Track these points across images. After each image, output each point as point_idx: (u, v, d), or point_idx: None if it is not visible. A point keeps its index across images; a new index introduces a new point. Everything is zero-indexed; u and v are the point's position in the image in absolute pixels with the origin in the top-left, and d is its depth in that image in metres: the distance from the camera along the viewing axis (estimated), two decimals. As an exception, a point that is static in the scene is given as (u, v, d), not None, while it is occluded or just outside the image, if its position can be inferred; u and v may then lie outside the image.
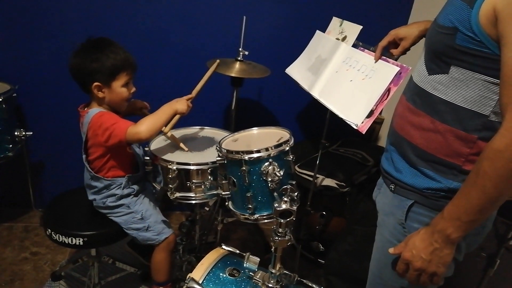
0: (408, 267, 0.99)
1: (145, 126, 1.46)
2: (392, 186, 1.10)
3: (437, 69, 0.96)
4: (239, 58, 1.88)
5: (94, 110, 1.50)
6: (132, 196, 1.64)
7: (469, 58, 0.89)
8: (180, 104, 1.53)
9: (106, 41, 1.51)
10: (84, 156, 1.57)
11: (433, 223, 0.95)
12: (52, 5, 2.08)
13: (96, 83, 1.47)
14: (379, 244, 1.18)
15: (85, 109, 1.56)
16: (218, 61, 1.75)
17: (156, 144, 1.69)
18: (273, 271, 1.13)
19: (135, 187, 1.64)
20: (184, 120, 1.62)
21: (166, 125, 1.55)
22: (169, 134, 1.60)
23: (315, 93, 1.54)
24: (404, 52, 1.30)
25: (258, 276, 1.18)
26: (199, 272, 1.21)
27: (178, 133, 1.79)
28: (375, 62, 1.30)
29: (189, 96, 1.60)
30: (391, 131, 1.15)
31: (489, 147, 0.83)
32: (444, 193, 0.99)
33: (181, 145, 1.65)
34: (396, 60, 1.27)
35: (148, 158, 1.59)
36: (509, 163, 0.80)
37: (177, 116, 1.56)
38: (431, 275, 0.97)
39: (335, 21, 1.66)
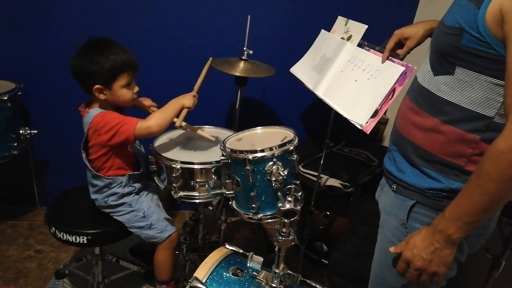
0: (408, 266, 0.99)
1: (155, 120, 1.50)
2: (394, 186, 1.10)
3: (442, 70, 0.96)
4: (243, 57, 1.88)
5: (96, 110, 1.50)
6: (134, 194, 1.64)
7: (474, 59, 0.88)
8: (187, 99, 1.58)
9: (107, 41, 1.50)
10: (84, 155, 1.58)
11: (435, 223, 0.94)
12: (57, 3, 2.08)
13: (97, 86, 1.47)
14: (381, 244, 1.18)
15: (86, 108, 1.56)
16: (211, 59, 1.75)
17: (160, 142, 1.69)
18: (277, 271, 1.13)
19: (137, 185, 1.65)
20: (188, 119, 1.63)
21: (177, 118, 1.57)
22: (183, 124, 1.61)
23: (320, 93, 1.53)
24: (409, 51, 1.29)
25: (261, 276, 1.18)
26: (203, 271, 1.20)
27: (183, 131, 1.79)
28: (382, 63, 1.29)
29: (192, 93, 1.63)
30: (394, 131, 1.15)
31: (492, 148, 0.83)
32: (446, 194, 0.99)
33: (199, 132, 1.66)
34: (401, 60, 1.27)
35: (152, 157, 1.59)
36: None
37: (185, 110, 1.58)
38: (431, 275, 0.97)
39: (340, 20, 1.65)
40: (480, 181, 0.85)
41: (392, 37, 1.30)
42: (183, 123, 1.61)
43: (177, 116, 1.57)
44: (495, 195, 0.84)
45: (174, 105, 1.56)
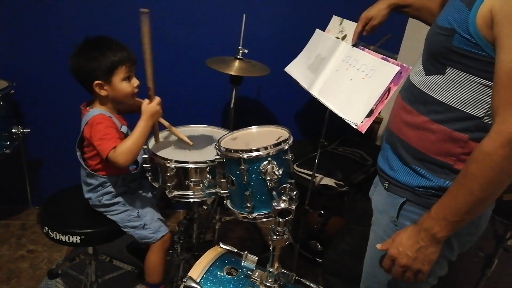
0: (394, 263, 1.00)
1: (123, 156, 1.42)
2: (386, 184, 1.11)
3: (434, 70, 0.97)
4: (238, 56, 1.88)
5: (95, 111, 1.49)
6: (128, 193, 1.64)
7: (465, 60, 0.89)
8: (150, 114, 1.49)
9: (103, 39, 1.50)
10: (79, 153, 1.57)
11: (421, 221, 0.95)
12: (51, 2, 2.06)
13: (96, 82, 1.47)
14: (373, 242, 1.19)
15: (87, 107, 1.55)
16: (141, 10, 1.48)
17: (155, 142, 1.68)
18: (271, 270, 1.13)
19: (131, 185, 1.64)
20: (183, 118, 1.62)
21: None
22: (174, 130, 1.62)
23: (315, 92, 1.53)
24: (373, 31, 1.39)
25: (256, 275, 1.18)
26: (197, 270, 1.20)
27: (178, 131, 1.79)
28: (352, 44, 1.40)
29: (153, 98, 1.53)
30: (386, 129, 1.17)
31: (478, 149, 0.84)
32: (435, 192, 1.00)
33: (185, 138, 1.66)
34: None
35: (146, 156, 1.59)
36: (497, 166, 0.81)
37: (159, 120, 1.58)
38: (415, 272, 0.97)
39: (335, 19, 1.66)
40: (465, 181, 0.86)
41: (359, 21, 1.40)
42: (174, 129, 1.63)
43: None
44: (480, 196, 0.86)
45: (142, 130, 1.47)
